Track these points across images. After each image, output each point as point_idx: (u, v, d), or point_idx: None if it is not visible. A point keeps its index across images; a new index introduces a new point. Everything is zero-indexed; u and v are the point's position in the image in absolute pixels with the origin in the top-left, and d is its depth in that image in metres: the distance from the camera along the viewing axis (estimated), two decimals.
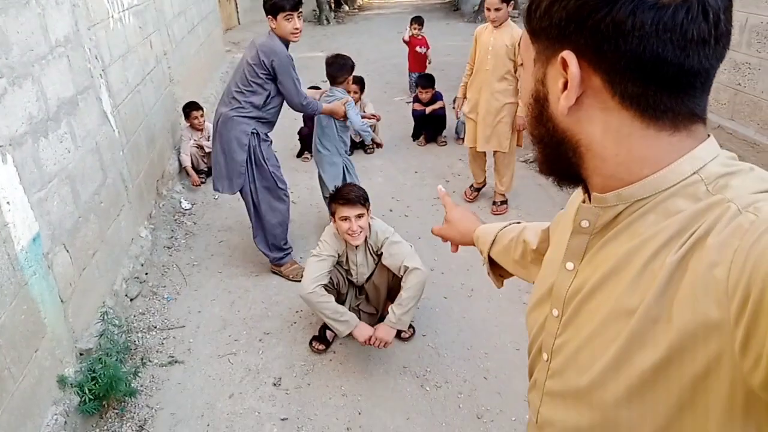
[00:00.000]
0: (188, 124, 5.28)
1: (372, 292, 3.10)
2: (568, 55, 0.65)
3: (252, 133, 3.50)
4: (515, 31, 4.03)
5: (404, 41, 7.67)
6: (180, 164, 5.18)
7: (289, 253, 3.82)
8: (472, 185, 4.82)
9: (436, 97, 6.00)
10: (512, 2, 3.97)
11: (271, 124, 3.65)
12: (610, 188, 0.71)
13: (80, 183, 3.04)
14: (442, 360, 3.02)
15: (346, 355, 3.09)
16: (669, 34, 0.59)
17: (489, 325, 3.25)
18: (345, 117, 3.87)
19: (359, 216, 2.86)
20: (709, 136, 0.68)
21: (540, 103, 0.74)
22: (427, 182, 5.18)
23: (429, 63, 7.57)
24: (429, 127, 6.05)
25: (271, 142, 3.73)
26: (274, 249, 3.74)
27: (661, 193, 0.67)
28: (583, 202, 0.78)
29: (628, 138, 0.67)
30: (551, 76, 0.70)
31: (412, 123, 6.19)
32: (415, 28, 7.49)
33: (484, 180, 4.78)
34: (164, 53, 5.31)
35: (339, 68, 3.96)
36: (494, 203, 4.60)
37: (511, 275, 1.29)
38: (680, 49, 0.60)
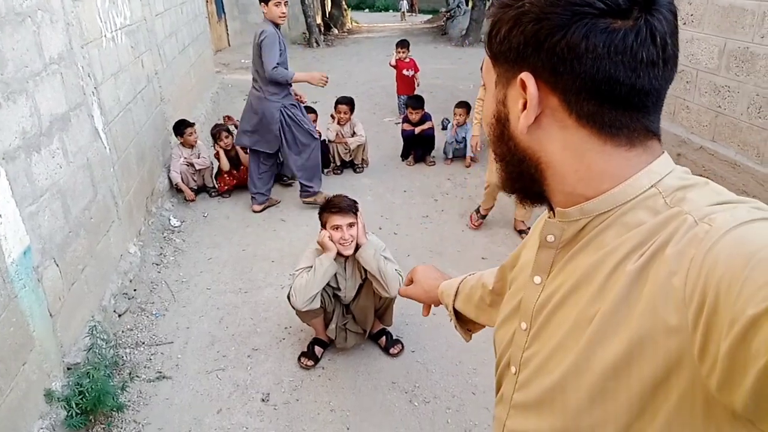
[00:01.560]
0: (179, 142, 5.31)
1: (359, 313, 3.11)
2: (527, 76, 0.69)
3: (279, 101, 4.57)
4: None
5: (391, 65, 7.79)
6: (170, 182, 5.20)
7: None
8: (478, 210, 4.70)
9: (426, 117, 6.08)
10: None
11: (284, 86, 4.57)
12: (573, 203, 0.73)
13: (71, 198, 3.06)
14: (431, 376, 3.04)
15: (334, 371, 3.09)
16: (620, 56, 0.64)
17: (477, 342, 3.21)
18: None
19: (350, 225, 2.90)
20: (663, 152, 0.71)
21: (501, 123, 0.77)
22: (416, 201, 5.23)
23: (417, 85, 7.68)
24: (418, 147, 6.13)
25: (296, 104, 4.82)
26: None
27: (621, 206, 0.69)
28: (549, 218, 0.80)
29: (587, 154, 0.70)
30: (511, 97, 0.73)
31: (401, 143, 6.27)
32: (400, 52, 7.62)
33: (492, 207, 4.67)
34: (155, 73, 5.36)
35: None
36: (521, 232, 4.51)
37: (479, 328, 1.29)
38: (631, 70, 0.64)
